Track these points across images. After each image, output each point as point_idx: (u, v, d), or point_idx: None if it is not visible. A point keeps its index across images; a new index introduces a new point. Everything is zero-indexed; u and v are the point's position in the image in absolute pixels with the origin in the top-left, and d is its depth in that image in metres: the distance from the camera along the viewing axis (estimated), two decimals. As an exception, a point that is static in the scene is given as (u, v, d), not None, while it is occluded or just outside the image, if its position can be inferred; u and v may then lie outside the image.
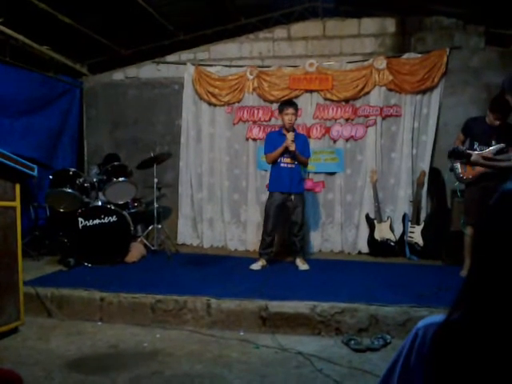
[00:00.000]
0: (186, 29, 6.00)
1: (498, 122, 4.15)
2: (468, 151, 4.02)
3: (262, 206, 5.56)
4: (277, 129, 5.22)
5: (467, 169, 4.24)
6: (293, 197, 4.75)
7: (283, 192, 4.77)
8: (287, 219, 4.93)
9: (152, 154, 5.52)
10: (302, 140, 4.89)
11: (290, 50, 6.14)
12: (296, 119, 4.83)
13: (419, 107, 5.72)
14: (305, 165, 4.96)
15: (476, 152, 3.97)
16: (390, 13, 5.85)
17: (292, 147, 4.61)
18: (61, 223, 5.24)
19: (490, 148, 4.03)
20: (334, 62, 5.94)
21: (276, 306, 3.49)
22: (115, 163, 5.38)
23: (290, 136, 4.63)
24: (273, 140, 4.82)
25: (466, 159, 4.02)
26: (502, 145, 4.00)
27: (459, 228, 4.64)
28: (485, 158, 3.94)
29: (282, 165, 4.77)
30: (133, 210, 5.57)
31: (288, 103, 4.87)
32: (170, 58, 6.44)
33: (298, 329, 3.42)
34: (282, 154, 4.72)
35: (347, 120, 5.89)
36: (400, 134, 5.77)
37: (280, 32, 6.15)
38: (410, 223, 5.56)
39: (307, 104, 5.98)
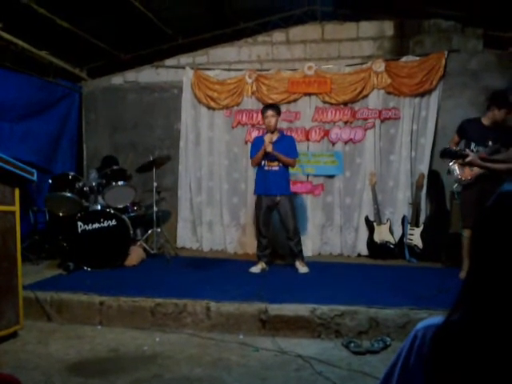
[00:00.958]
0: (184, 33, 6.02)
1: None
2: (464, 152, 4.02)
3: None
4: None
5: (465, 170, 4.24)
6: (278, 198, 4.75)
7: (268, 195, 4.78)
8: (280, 220, 4.93)
9: (151, 158, 5.52)
10: (288, 141, 4.88)
11: (288, 53, 6.15)
12: (277, 121, 4.80)
13: (418, 110, 5.74)
14: (290, 166, 4.88)
15: (473, 153, 3.99)
16: (388, 16, 5.87)
17: (268, 148, 4.61)
18: (60, 227, 5.24)
19: (487, 148, 4.06)
20: (333, 66, 5.95)
21: (276, 308, 3.49)
22: (114, 167, 5.38)
23: (267, 138, 4.66)
24: (257, 144, 4.83)
25: (461, 159, 4.01)
26: (498, 145, 4.02)
27: (458, 230, 4.64)
28: (482, 158, 3.94)
29: (265, 168, 4.77)
30: (132, 214, 5.57)
31: (267, 106, 4.92)
32: (169, 62, 6.45)
33: (297, 331, 3.42)
34: (264, 157, 4.73)
35: (346, 123, 5.90)
36: (399, 137, 5.78)
37: (278, 35, 6.16)
38: (409, 225, 5.57)
39: (306, 107, 5.99)
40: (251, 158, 4.90)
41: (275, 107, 4.87)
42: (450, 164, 4.33)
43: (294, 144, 4.93)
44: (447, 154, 3.99)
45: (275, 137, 4.73)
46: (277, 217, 4.99)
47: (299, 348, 3.17)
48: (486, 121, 4.25)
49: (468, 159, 3.94)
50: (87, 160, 6.73)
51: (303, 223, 5.83)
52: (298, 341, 3.32)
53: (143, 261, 5.30)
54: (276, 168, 4.75)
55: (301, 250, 4.93)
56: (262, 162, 4.77)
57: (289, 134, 5.57)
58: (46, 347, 3.23)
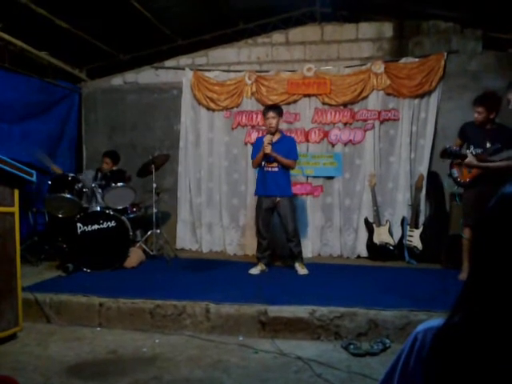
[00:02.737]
0: (184, 34, 6.03)
1: (480, 117, 4.14)
2: (463, 152, 4.06)
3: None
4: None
5: (464, 172, 4.26)
6: (279, 199, 4.75)
7: (268, 195, 4.77)
8: (280, 222, 4.92)
9: (151, 157, 5.50)
10: (288, 142, 4.85)
11: (288, 54, 6.16)
12: (278, 122, 4.77)
13: (417, 111, 5.74)
14: (290, 167, 4.83)
15: (471, 154, 4.03)
16: (387, 17, 5.87)
17: (267, 150, 4.60)
18: (59, 229, 5.24)
19: (487, 149, 4.07)
20: (332, 67, 5.95)
21: (275, 310, 3.48)
22: (114, 168, 5.37)
23: (266, 139, 4.63)
24: (258, 144, 4.82)
25: (460, 160, 4.07)
26: (498, 145, 4.02)
27: (458, 231, 4.65)
28: (479, 159, 3.98)
29: (265, 169, 4.75)
30: (132, 215, 5.57)
31: (268, 107, 4.89)
32: (169, 63, 6.45)
33: (297, 333, 3.41)
34: (264, 158, 4.71)
35: (345, 124, 5.90)
36: (398, 138, 5.78)
37: (278, 37, 6.17)
38: (408, 227, 5.56)
39: (305, 108, 5.99)
40: (252, 159, 4.90)
41: (276, 108, 4.84)
42: (452, 169, 4.35)
43: (294, 145, 4.91)
44: (447, 154, 4.02)
45: (276, 138, 4.72)
46: (277, 218, 4.98)
47: (299, 350, 3.17)
48: (477, 123, 4.26)
49: (466, 160, 4.00)
50: (87, 161, 6.73)
51: (303, 224, 5.83)
52: (298, 343, 3.32)
53: (143, 262, 5.29)
54: (275, 169, 4.73)
55: (300, 252, 4.92)
56: (262, 163, 4.76)
57: (290, 135, 5.54)
58: (45, 349, 3.22)
